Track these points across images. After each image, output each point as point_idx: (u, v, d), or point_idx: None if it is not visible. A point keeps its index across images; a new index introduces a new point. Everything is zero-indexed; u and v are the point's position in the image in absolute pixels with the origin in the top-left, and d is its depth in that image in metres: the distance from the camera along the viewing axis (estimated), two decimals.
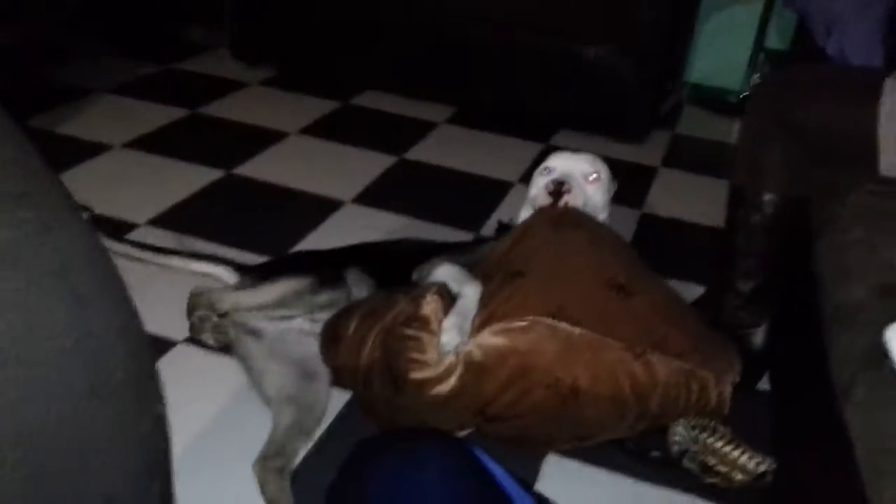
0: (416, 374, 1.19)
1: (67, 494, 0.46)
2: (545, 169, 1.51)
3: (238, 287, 1.52)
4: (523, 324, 1.18)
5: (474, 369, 1.18)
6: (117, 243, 1.67)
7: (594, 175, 1.50)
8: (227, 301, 1.44)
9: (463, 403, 1.19)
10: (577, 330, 1.18)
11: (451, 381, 1.18)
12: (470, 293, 1.26)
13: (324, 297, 1.46)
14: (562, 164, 1.51)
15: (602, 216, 1.52)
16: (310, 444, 1.31)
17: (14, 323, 0.42)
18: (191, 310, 1.47)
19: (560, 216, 1.39)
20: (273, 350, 1.41)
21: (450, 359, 1.19)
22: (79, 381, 0.46)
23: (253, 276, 1.54)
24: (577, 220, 1.39)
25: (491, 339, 1.19)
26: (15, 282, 0.43)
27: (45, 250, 0.46)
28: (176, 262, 1.65)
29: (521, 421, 1.23)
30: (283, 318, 1.45)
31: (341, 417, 1.39)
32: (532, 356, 1.18)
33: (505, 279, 1.26)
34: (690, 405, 1.22)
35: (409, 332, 1.21)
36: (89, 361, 0.47)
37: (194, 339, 1.53)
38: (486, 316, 1.21)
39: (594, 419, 1.23)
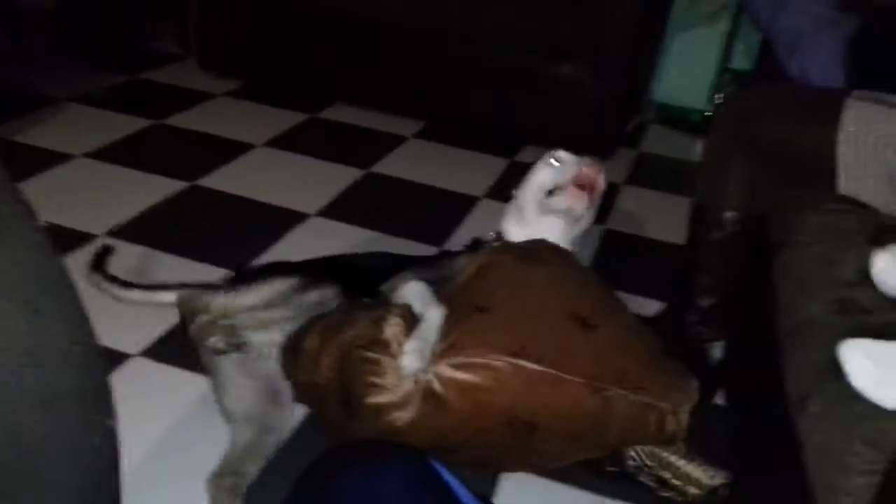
0: (373, 399, 1.17)
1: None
2: (553, 159, 1.51)
3: (223, 291, 1.46)
4: (484, 360, 1.18)
5: (433, 402, 1.18)
6: (88, 271, 1.61)
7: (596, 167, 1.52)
8: (218, 305, 1.40)
9: (420, 435, 1.18)
10: (537, 367, 1.18)
11: (410, 411, 1.17)
12: (433, 317, 1.24)
13: (313, 295, 1.44)
14: (566, 158, 1.52)
15: (586, 223, 1.53)
16: (259, 467, 1.29)
17: None
18: (186, 318, 1.43)
19: (527, 250, 1.39)
20: (245, 363, 1.38)
21: (408, 385, 1.17)
22: (29, 391, 0.45)
23: (226, 286, 1.50)
24: (543, 253, 1.39)
25: (452, 372, 1.18)
26: None
27: (6, 265, 0.45)
28: (137, 295, 1.58)
29: (477, 452, 1.23)
30: (265, 326, 1.42)
31: (297, 434, 1.37)
32: (492, 393, 1.17)
33: (467, 311, 1.25)
34: (648, 435, 1.23)
35: (369, 354, 1.19)
36: (41, 373, 0.46)
37: (149, 352, 1.50)
38: (448, 346, 1.20)
39: (550, 451, 1.25)
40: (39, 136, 2.41)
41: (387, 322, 1.21)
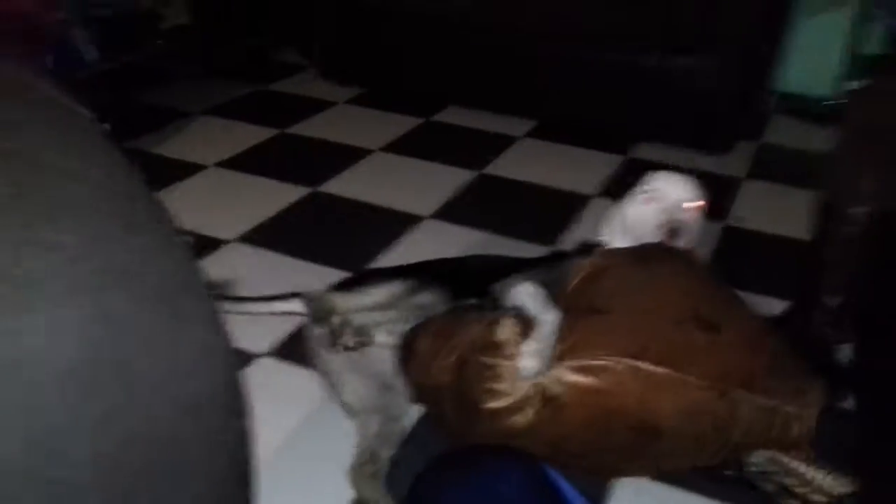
0: (491, 404, 1.18)
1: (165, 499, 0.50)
2: (647, 192, 1.47)
3: (344, 292, 1.53)
4: (605, 363, 1.16)
5: (553, 405, 1.17)
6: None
7: (692, 203, 1.47)
8: (342, 304, 1.47)
9: (538, 437, 1.18)
10: (659, 370, 1.15)
11: (528, 415, 1.17)
12: (550, 319, 1.23)
13: (423, 297, 1.48)
14: (666, 189, 1.47)
15: (694, 241, 1.49)
16: (394, 451, 1.34)
17: (125, 342, 0.46)
18: (319, 317, 1.47)
19: (643, 251, 1.37)
20: (352, 362, 1.44)
21: (526, 388, 1.17)
22: (177, 399, 0.50)
23: (345, 288, 1.57)
24: (661, 254, 1.37)
25: (571, 375, 1.16)
26: (126, 304, 0.47)
27: (152, 274, 0.50)
28: (251, 307, 1.65)
29: (597, 458, 1.23)
30: (379, 328, 1.47)
31: (419, 426, 1.41)
32: (615, 397, 1.16)
33: (584, 313, 1.24)
34: (772, 439, 1.19)
35: (485, 360, 1.20)
36: (186, 381, 0.51)
37: (275, 352, 1.58)
38: (566, 348, 1.19)
39: (672, 454, 1.22)
40: (174, 148, 2.58)
41: (500, 324, 1.21)
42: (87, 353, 0.44)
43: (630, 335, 1.19)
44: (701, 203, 1.47)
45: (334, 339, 1.43)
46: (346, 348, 1.42)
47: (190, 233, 1.94)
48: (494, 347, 1.21)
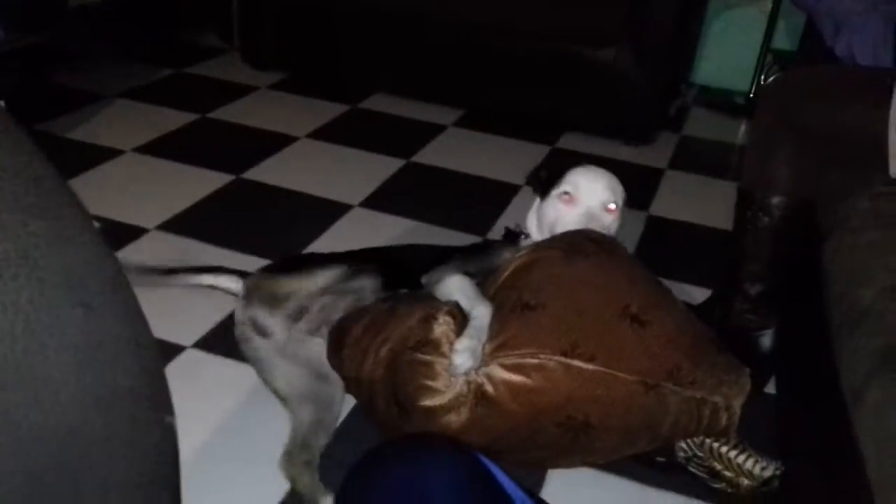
0: (426, 402, 1.17)
1: None
2: (565, 193, 1.43)
3: (281, 275, 1.49)
4: (536, 361, 1.16)
5: (486, 404, 1.17)
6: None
7: (613, 205, 1.43)
8: (283, 288, 1.43)
9: (473, 437, 1.18)
10: (590, 366, 1.16)
11: (462, 413, 1.17)
12: (482, 314, 1.22)
13: (359, 282, 1.45)
14: (584, 192, 1.42)
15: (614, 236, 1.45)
16: (328, 440, 1.31)
17: (25, 334, 0.42)
18: (263, 300, 1.45)
19: (572, 244, 1.34)
20: (283, 350, 1.41)
21: (460, 386, 1.17)
22: (88, 391, 0.46)
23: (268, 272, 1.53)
24: (588, 247, 1.34)
25: (503, 373, 1.17)
26: (27, 292, 0.43)
27: (57, 261, 0.47)
28: (180, 279, 1.59)
29: (531, 453, 1.23)
30: (290, 317, 1.44)
31: (347, 422, 1.39)
32: (545, 394, 1.16)
33: (515, 309, 1.23)
34: (701, 429, 1.22)
35: (420, 356, 1.19)
36: (98, 372, 0.47)
37: (203, 344, 1.54)
38: (497, 345, 1.19)
39: (603, 448, 1.24)
40: (89, 132, 2.47)
41: (436, 321, 1.20)
42: None
43: (560, 332, 1.19)
44: (618, 204, 1.43)
45: (292, 324, 1.41)
46: (309, 334, 1.39)
47: (105, 220, 1.86)
48: (429, 344, 1.19)
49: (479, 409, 1.17)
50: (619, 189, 1.46)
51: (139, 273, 1.59)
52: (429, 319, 1.21)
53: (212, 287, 1.57)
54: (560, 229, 1.40)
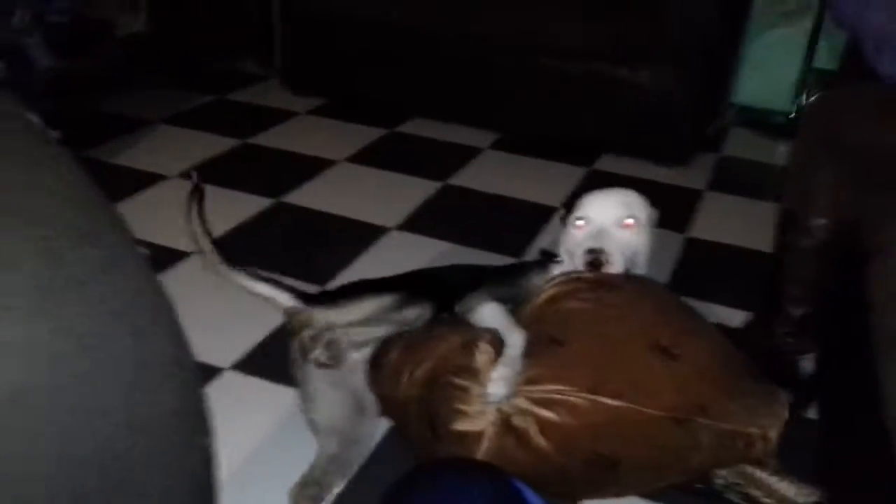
0: (459, 426, 1.18)
1: None
2: (578, 220, 1.41)
3: (328, 306, 1.46)
4: (563, 397, 1.17)
5: (514, 436, 1.17)
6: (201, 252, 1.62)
7: (629, 219, 1.39)
8: (322, 319, 1.43)
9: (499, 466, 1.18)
10: (617, 402, 1.16)
11: (492, 442, 1.17)
12: (516, 342, 1.23)
13: (410, 313, 1.44)
14: (594, 214, 1.40)
15: (643, 257, 1.43)
16: (348, 477, 1.31)
17: (80, 358, 0.44)
18: (294, 331, 1.43)
19: (599, 278, 1.33)
20: (333, 376, 1.41)
21: (491, 415, 1.18)
22: (135, 415, 0.48)
23: (320, 301, 1.52)
24: (617, 279, 1.34)
25: (531, 406, 1.17)
26: (81, 318, 0.45)
27: (109, 287, 0.48)
28: (240, 279, 1.54)
29: (557, 487, 1.22)
30: (359, 344, 1.42)
31: (383, 446, 1.39)
32: (572, 430, 1.16)
33: (542, 342, 1.24)
34: (735, 459, 1.20)
35: (458, 381, 1.20)
36: (144, 395, 0.49)
37: (241, 366, 1.56)
38: (526, 379, 1.20)
39: (632, 483, 1.23)
40: (135, 157, 2.54)
41: (479, 349, 1.21)
42: (43, 371, 0.42)
43: (588, 368, 1.19)
44: (637, 219, 1.39)
45: (304, 353, 1.40)
46: (319, 364, 1.39)
47: (149, 244, 1.90)
48: (470, 371, 1.20)
49: (507, 440, 1.17)
50: (638, 203, 1.42)
51: (214, 256, 1.56)
52: (471, 346, 1.23)
53: (267, 298, 1.52)
54: (578, 254, 1.37)
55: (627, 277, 1.34)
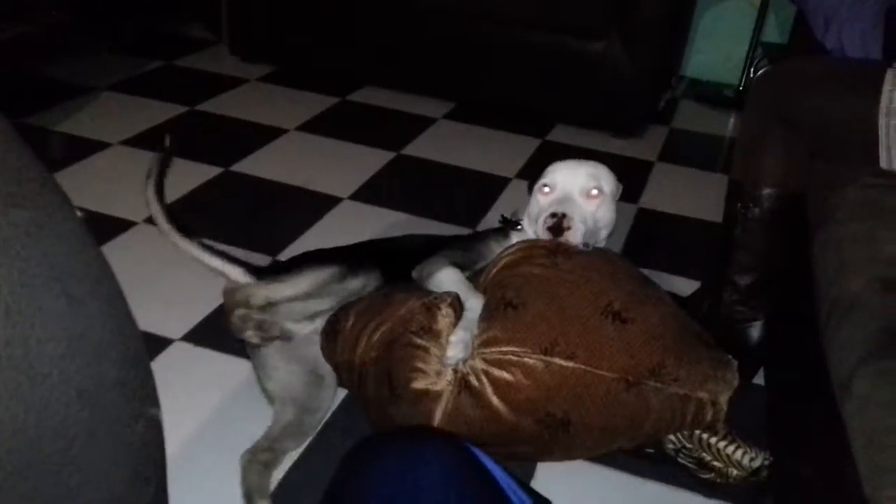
0: (417, 384, 1.19)
1: (57, 497, 0.46)
2: (544, 186, 1.41)
3: (266, 281, 1.45)
4: (517, 358, 1.19)
5: (469, 395, 1.19)
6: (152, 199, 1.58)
7: (595, 191, 1.38)
8: (260, 296, 1.40)
9: (455, 427, 1.19)
10: (570, 364, 1.18)
11: (448, 402, 1.19)
12: (474, 306, 1.26)
13: (354, 284, 1.43)
14: (561, 180, 1.40)
15: (605, 231, 1.43)
16: (302, 446, 1.31)
17: (6, 325, 0.42)
18: (229, 309, 1.43)
19: (556, 245, 1.34)
20: (285, 349, 1.40)
21: (448, 375, 1.19)
22: (72, 383, 0.46)
23: (270, 273, 1.50)
24: (573, 247, 1.34)
25: (487, 367, 1.20)
26: (8, 283, 0.43)
27: (38, 251, 0.46)
28: (194, 250, 1.52)
29: (511, 447, 1.24)
30: (308, 317, 1.42)
31: (340, 414, 1.39)
32: (525, 390, 1.18)
33: (499, 307, 1.25)
34: (685, 425, 1.22)
35: (419, 341, 1.21)
36: (82, 364, 0.47)
37: (191, 337, 1.53)
38: (483, 341, 1.22)
39: (585, 444, 1.24)
40: (77, 124, 2.45)
41: (441, 312, 1.23)
42: None
43: (541, 330, 1.21)
44: (602, 191, 1.39)
45: (237, 332, 1.39)
46: (252, 344, 1.37)
47: (91, 212, 1.85)
48: (431, 333, 1.21)
49: (462, 398, 1.18)
50: (606, 176, 1.42)
51: (169, 226, 1.54)
52: (432, 308, 1.23)
53: (219, 273, 1.50)
54: (541, 220, 1.37)
55: (585, 245, 1.34)
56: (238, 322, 1.38)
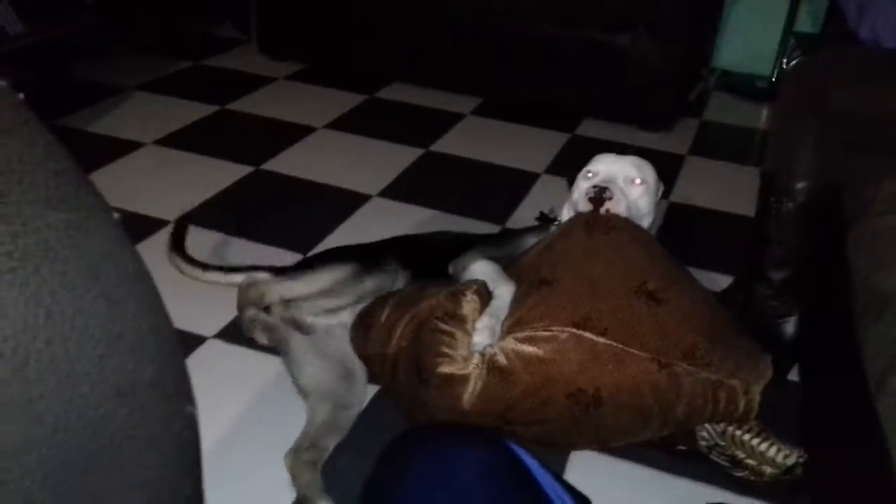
0: (444, 369, 1.19)
1: (96, 495, 0.47)
2: (588, 172, 1.43)
3: (281, 279, 1.50)
4: (548, 333, 1.19)
5: (498, 374, 1.19)
6: (168, 251, 1.66)
7: (638, 180, 1.42)
8: (275, 293, 1.43)
9: (485, 407, 1.19)
10: (601, 340, 1.18)
11: (477, 385, 1.19)
12: (504, 294, 1.27)
13: (370, 283, 1.46)
14: (605, 167, 1.43)
15: (647, 221, 1.45)
16: (338, 442, 1.32)
17: (46, 326, 0.43)
18: (241, 307, 1.47)
19: (594, 219, 1.34)
20: (316, 343, 1.41)
21: (476, 360, 1.20)
22: (110, 383, 0.47)
23: (290, 272, 1.53)
24: (611, 223, 1.34)
25: (516, 345, 1.20)
26: (48, 285, 0.44)
27: (77, 253, 0.47)
28: (213, 276, 1.61)
29: (541, 427, 1.23)
30: (329, 312, 1.44)
31: (372, 410, 1.39)
32: (555, 365, 1.18)
33: (532, 285, 1.26)
34: (717, 413, 1.21)
35: (444, 326, 1.22)
36: (119, 363, 0.48)
37: (224, 334, 1.55)
38: (513, 321, 1.23)
39: (616, 427, 1.23)
40: (108, 125, 2.49)
41: (465, 298, 1.24)
42: (13, 335, 0.41)
43: (574, 305, 1.21)
44: (645, 181, 1.42)
45: (246, 334, 1.43)
46: (262, 342, 1.40)
47: (125, 211, 1.87)
48: (456, 318, 1.23)
49: (490, 377, 1.18)
50: (649, 170, 1.46)
51: (182, 261, 1.63)
52: (457, 295, 1.25)
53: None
54: (581, 203, 1.38)
55: (622, 220, 1.34)
56: (247, 323, 1.43)
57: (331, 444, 1.28)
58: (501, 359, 1.19)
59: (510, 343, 1.20)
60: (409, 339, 1.28)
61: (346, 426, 1.32)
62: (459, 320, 1.23)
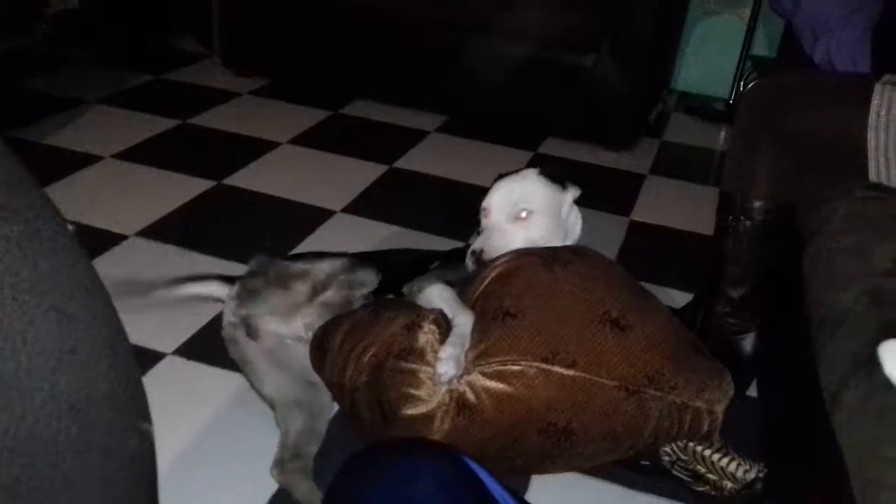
0: (409, 411, 1.17)
1: None
2: (483, 209, 1.45)
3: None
4: (517, 368, 1.17)
5: (467, 413, 1.17)
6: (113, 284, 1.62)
7: (524, 213, 1.40)
8: (296, 269, 1.46)
9: (455, 446, 1.16)
10: (570, 372, 1.17)
11: (445, 423, 1.17)
12: (464, 322, 1.22)
13: (360, 274, 1.45)
14: (495, 206, 1.42)
15: (555, 241, 1.42)
16: (319, 446, 1.31)
17: None
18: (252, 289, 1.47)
19: (550, 252, 1.34)
20: (272, 354, 1.40)
21: (442, 394, 1.16)
22: (62, 398, 0.46)
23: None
24: (566, 255, 1.34)
25: (485, 381, 1.17)
26: None
27: (29, 265, 0.46)
28: (163, 293, 1.52)
29: (513, 462, 1.23)
30: (282, 322, 1.43)
31: (342, 416, 1.38)
32: (526, 402, 1.16)
33: (497, 317, 1.23)
34: (683, 433, 1.22)
35: (405, 365, 1.19)
36: (72, 378, 0.47)
37: (183, 351, 1.52)
38: (478, 353, 1.19)
39: (585, 454, 1.23)
40: (68, 137, 2.44)
41: (421, 329, 1.20)
42: None
43: (541, 339, 1.19)
44: (529, 211, 1.39)
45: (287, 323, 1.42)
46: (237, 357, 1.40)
47: (83, 225, 1.84)
48: (414, 353, 1.19)
49: (460, 418, 1.16)
50: (536, 193, 1.42)
51: (122, 288, 1.56)
52: (413, 327, 1.21)
53: (197, 297, 1.53)
54: (469, 262, 1.40)
55: (575, 252, 1.35)
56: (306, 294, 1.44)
57: (313, 450, 1.28)
58: (470, 396, 1.17)
59: (478, 379, 1.17)
60: (369, 375, 1.24)
61: (322, 431, 1.32)
62: (418, 354, 1.19)
